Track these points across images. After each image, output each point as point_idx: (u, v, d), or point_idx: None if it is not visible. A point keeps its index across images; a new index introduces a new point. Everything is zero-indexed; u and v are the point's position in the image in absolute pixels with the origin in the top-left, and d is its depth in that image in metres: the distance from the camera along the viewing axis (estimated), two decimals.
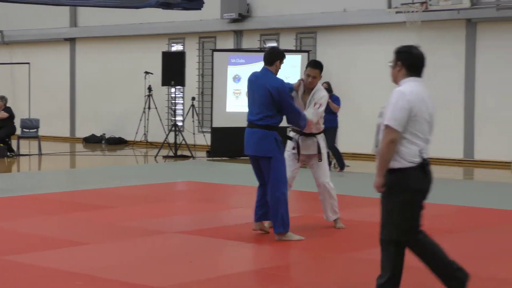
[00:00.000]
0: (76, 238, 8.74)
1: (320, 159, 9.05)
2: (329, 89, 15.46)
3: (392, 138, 5.64)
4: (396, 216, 5.72)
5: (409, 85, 5.83)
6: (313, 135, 9.06)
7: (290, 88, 8.97)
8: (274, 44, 20.57)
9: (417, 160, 5.69)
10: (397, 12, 17.53)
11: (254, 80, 8.76)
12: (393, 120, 5.66)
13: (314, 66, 9.18)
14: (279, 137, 8.53)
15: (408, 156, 5.67)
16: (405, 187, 5.67)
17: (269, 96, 8.48)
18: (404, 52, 5.92)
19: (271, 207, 8.51)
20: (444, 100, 17.89)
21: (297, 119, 8.64)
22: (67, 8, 24.39)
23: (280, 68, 8.70)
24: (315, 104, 8.91)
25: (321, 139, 9.13)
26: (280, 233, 8.53)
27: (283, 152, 8.70)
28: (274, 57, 8.66)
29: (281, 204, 8.44)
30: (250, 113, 8.74)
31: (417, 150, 5.69)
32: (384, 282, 5.79)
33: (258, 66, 18.40)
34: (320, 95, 9.02)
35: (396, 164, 5.66)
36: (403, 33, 17.88)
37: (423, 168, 5.70)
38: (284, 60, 8.74)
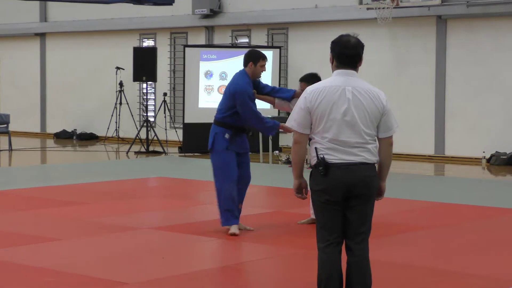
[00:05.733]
0: (46, 234, 8.69)
1: None
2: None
3: (294, 139, 5.40)
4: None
5: (326, 80, 5.39)
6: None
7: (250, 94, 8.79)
8: (245, 40, 20.59)
9: (314, 161, 5.30)
10: (368, 9, 17.59)
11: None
12: (292, 120, 5.39)
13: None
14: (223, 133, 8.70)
15: (311, 157, 5.38)
16: (311, 187, 5.42)
17: (228, 96, 8.71)
18: (333, 41, 5.40)
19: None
20: (415, 96, 18.01)
21: (255, 124, 8.72)
22: (37, 2, 24.18)
23: (258, 70, 8.79)
24: None
25: None
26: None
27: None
28: (246, 59, 8.80)
29: None
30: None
31: (314, 151, 5.30)
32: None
33: (230, 61, 18.84)
34: None
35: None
36: (374, 30, 17.96)
37: (322, 169, 5.23)
38: (263, 62, 8.79)
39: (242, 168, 8.84)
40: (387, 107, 5.40)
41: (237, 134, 8.73)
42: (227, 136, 8.67)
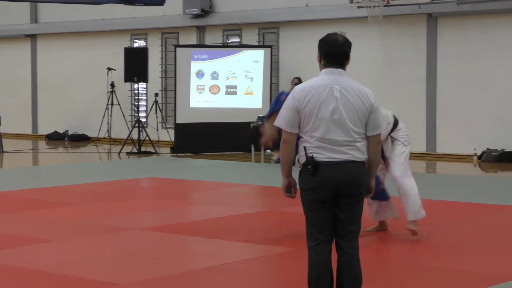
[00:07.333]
0: (38, 235, 8.67)
1: None
2: (299, 83, 15.50)
3: (283, 138, 5.39)
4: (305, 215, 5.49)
5: (315, 79, 5.40)
6: None
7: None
8: (237, 39, 20.59)
9: (303, 160, 5.32)
10: (359, 7, 17.60)
11: None
12: (281, 119, 5.38)
13: None
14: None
15: (300, 156, 5.39)
16: (300, 186, 5.42)
17: None
18: (320, 40, 5.42)
19: None
20: (406, 94, 18.03)
21: None
22: (28, 4, 24.16)
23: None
24: None
25: None
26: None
27: None
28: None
29: None
30: None
31: (303, 150, 5.31)
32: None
33: (221, 61, 18.83)
34: None
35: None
36: (365, 28, 17.97)
37: (311, 167, 5.25)
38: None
39: None
40: (375, 105, 5.41)
41: None
42: None
